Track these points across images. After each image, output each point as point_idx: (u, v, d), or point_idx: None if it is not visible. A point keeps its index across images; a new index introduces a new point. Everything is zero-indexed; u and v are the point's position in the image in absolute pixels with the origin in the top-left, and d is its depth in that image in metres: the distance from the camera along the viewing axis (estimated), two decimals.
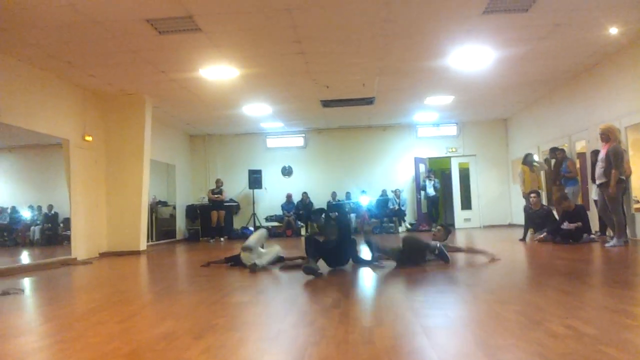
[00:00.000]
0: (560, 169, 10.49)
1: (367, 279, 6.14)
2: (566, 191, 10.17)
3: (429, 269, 6.40)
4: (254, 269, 6.88)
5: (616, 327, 3.18)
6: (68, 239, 10.01)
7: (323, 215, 7.81)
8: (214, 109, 12.91)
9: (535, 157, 12.11)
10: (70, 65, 8.82)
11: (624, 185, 8.18)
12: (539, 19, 7.53)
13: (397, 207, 15.53)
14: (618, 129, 8.32)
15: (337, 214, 7.27)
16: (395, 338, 3.18)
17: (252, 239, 7.34)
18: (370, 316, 3.93)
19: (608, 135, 8.07)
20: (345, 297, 4.76)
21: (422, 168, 16.22)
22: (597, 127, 8.63)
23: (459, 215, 16.64)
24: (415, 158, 16.11)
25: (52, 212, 11.76)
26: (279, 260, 7.43)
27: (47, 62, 8.60)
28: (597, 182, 8.30)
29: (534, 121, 13.97)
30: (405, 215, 15.77)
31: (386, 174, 16.13)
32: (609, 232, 8.83)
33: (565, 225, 9.00)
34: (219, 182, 15.30)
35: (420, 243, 6.83)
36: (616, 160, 7.87)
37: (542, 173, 12.09)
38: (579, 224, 8.88)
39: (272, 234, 15.32)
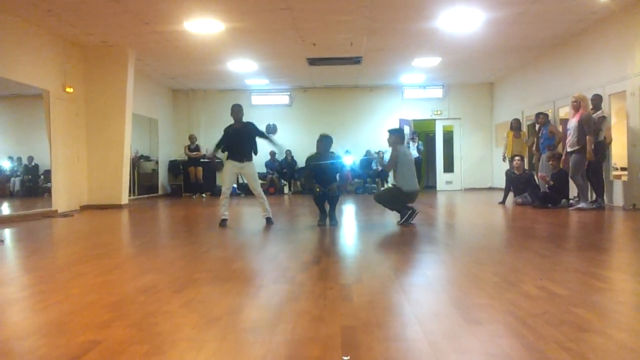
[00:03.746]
0: (540, 135, 10.55)
1: (348, 238, 6.22)
2: (543, 156, 10.25)
3: (410, 227, 6.49)
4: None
5: (586, 289, 3.28)
6: (49, 191, 9.91)
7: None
8: (198, 64, 12.67)
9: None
10: (50, 14, 8.53)
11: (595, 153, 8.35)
12: None
13: (380, 168, 15.59)
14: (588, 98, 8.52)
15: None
16: (373, 295, 3.24)
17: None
18: (349, 273, 4.00)
19: (580, 103, 8.27)
20: (325, 255, 4.82)
21: (407, 130, 16.22)
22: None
23: (441, 177, 16.77)
24: (400, 119, 16.08)
25: (33, 163, 11.60)
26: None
27: (27, 10, 8.30)
28: (569, 149, 8.47)
29: (519, 86, 13.97)
30: (387, 176, 15.82)
31: (371, 135, 16.09)
32: (593, 197, 8.99)
33: (540, 177, 9.34)
34: (192, 138, 15.12)
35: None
36: (589, 126, 8.06)
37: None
38: (551, 182, 9.05)
39: None
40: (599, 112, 8.59)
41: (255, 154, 7.36)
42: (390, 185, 7.19)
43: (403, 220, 6.88)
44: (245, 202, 12.10)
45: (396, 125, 15.35)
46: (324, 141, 7.25)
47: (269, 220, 7.14)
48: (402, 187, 6.92)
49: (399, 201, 7.01)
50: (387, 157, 7.48)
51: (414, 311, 2.84)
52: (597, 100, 8.71)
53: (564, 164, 8.97)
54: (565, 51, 10.94)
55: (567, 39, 10.58)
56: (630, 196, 8.58)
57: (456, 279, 3.81)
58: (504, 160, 11.50)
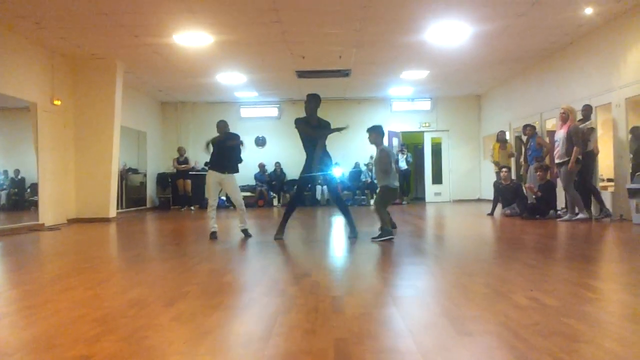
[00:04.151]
0: (528, 146, 10.63)
1: (338, 250, 6.21)
2: (531, 168, 10.30)
3: (399, 239, 6.49)
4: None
5: (577, 299, 3.29)
6: (35, 204, 9.81)
7: (295, 187, 7.73)
8: (187, 77, 12.67)
9: (507, 135, 12.32)
10: (38, 27, 8.50)
11: (580, 164, 8.37)
12: None
13: (369, 179, 15.63)
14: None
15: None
16: (364, 307, 3.23)
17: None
18: (340, 286, 3.99)
19: (569, 115, 8.35)
20: (316, 267, 4.81)
21: (396, 142, 16.30)
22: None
23: (430, 189, 16.86)
24: (389, 132, 16.14)
25: (19, 177, 11.49)
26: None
27: (14, 22, 8.27)
28: (558, 161, 8.52)
29: (506, 98, 14.12)
30: (377, 188, 15.85)
31: (360, 147, 16.12)
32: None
33: (528, 188, 9.43)
34: (181, 151, 15.09)
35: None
36: (577, 138, 8.15)
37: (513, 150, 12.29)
38: (539, 193, 9.10)
39: (244, 204, 15.28)
40: (587, 123, 8.66)
41: (240, 162, 7.34)
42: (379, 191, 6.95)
43: (379, 239, 6.38)
44: (234, 214, 12.03)
45: (384, 137, 15.38)
46: (312, 101, 6.88)
47: (246, 233, 7.13)
48: (391, 184, 6.75)
49: (390, 200, 6.93)
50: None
51: (406, 323, 2.84)
52: (587, 110, 8.78)
53: (554, 176, 9.03)
54: (551, 64, 11.09)
55: (553, 52, 10.74)
56: (617, 207, 8.66)
57: (446, 290, 3.81)
58: (496, 165, 11.51)
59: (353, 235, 6.77)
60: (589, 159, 8.59)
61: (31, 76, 9.47)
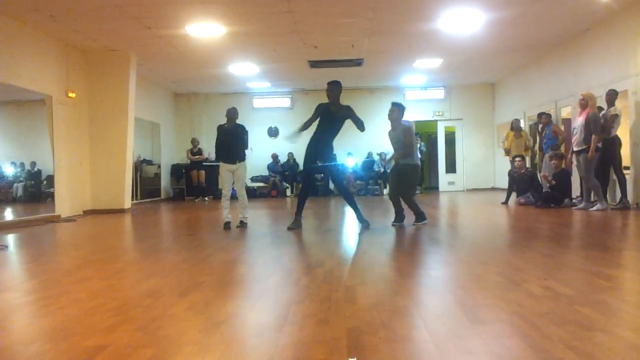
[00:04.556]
0: (543, 134, 10.52)
1: (351, 239, 6.21)
2: (546, 156, 10.17)
3: (414, 229, 6.48)
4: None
5: (592, 288, 3.27)
6: (51, 196, 9.93)
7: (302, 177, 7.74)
8: (200, 68, 12.70)
9: (522, 124, 12.19)
10: (53, 20, 8.56)
11: (599, 152, 8.21)
12: None
13: (382, 169, 15.59)
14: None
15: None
16: (377, 297, 3.24)
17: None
18: (353, 275, 3.99)
19: (588, 101, 8.15)
20: (329, 257, 4.82)
21: None
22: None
23: (444, 178, 16.78)
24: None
25: (35, 169, 11.64)
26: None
27: (29, 15, 8.33)
28: (576, 148, 8.35)
29: (521, 86, 13.97)
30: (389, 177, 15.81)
31: (373, 137, 16.07)
32: (594, 198, 8.87)
33: (542, 176, 9.36)
34: (195, 142, 15.17)
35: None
36: (595, 126, 7.97)
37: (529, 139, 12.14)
38: (553, 182, 9.01)
39: (258, 194, 15.37)
40: (611, 109, 8.44)
41: (245, 148, 7.46)
42: (392, 170, 7.21)
43: (419, 223, 6.88)
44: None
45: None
46: (335, 88, 6.97)
47: (243, 223, 7.29)
48: (416, 161, 7.03)
49: (417, 180, 7.12)
50: (388, 158, 7.46)
51: (419, 312, 2.84)
52: (612, 96, 8.45)
53: (569, 163, 8.90)
54: (566, 51, 10.94)
55: (568, 39, 10.58)
56: (633, 195, 8.54)
57: (460, 279, 3.80)
58: (506, 153, 11.41)
59: (365, 225, 6.76)
60: (614, 145, 8.34)
61: (46, 69, 9.55)
